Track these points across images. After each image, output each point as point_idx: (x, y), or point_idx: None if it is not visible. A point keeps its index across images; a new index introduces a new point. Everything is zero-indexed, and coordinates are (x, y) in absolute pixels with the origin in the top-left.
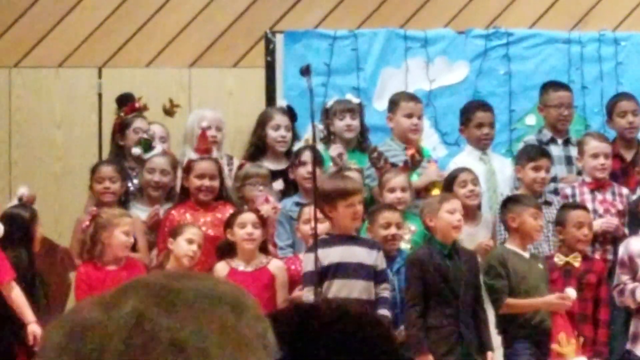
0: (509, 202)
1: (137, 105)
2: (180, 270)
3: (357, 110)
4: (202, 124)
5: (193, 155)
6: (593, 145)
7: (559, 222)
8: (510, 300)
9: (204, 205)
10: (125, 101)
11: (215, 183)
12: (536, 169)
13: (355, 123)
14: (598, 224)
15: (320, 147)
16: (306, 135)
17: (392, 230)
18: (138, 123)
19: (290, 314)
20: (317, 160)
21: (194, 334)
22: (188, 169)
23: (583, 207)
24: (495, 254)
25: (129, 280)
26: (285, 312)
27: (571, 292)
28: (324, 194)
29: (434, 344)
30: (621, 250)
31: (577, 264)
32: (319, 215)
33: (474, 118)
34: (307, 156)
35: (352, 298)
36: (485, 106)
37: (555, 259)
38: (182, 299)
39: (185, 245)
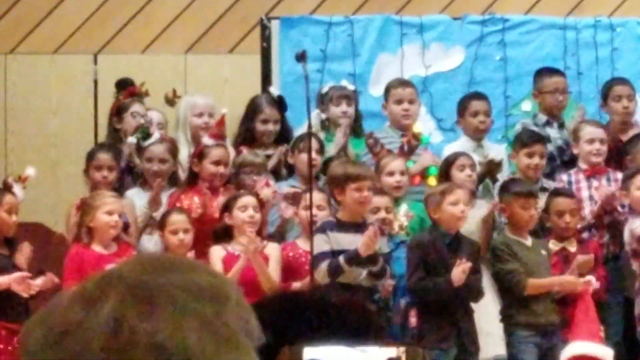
0: (501, 190)
1: (136, 90)
2: (163, 259)
3: (352, 97)
4: (223, 110)
5: (208, 140)
6: (588, 130)
7: (545, 210)
8: (533, 281)
9: (212, 189)
10: (124, 85)
11: (227, 170)
12: (530, 154)
13: (351, 110)
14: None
15: (320, 134)
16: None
17: (382, 214)
18: (136, 107)
19: (277, 301)
20: (318, 148)
21: (173, 334)
22: (201, 154)
23: (566, 194)
24: (499, 241)
25: (111, 271)
26: (272, 299)
27: (591, 279)
28: (334, 177)
29: (429, 331)
30: (627, 235)
31: (573, 249)
32: (319, 202)
33: (469, 107)
34: (311, 143)
35: (357, 285)
36: (479, 95)
37: (551, 245)
38: (162, 296)
39: (171, 237)
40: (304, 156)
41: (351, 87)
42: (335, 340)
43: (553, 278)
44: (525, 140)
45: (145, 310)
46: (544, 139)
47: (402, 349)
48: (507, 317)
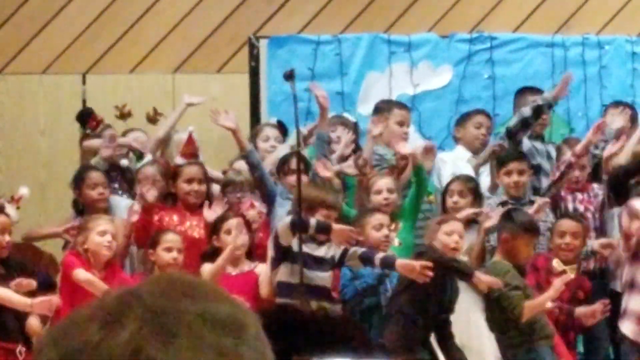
0: (508, 218)
1: (98, 117)
2: (185, 282)
3: (349, 125)
4: (189, 128)
5: (179, 160)
6: (570, 153)
7: (550, 229)
8: (527, 303)
9: (190, 208)
10: (86, 117)
11: (203, 187)
12: (508, 173)
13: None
14: (596, 244)
15: (305, 152)
16: (290, 141)
17: (385, 231)
18: (109, 131)
19: (281, 313)
20: (304, 167)
21: None
22: (175, 174)
23: (572, 216)
24: (501, 269)
25: (131, 290)
26: (276, 311)
27: (557, 284)
28: (306, 199)
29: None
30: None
31: (572, 275)
32: None
33: (474, 118)
34: (295, 163)
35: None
36: (486, 112)
37: (554, 264)
38: (181, 325)
39: (165, 255)
40: (291, 179)
41: (352, 119)
42: (340, 354)
43: (543, 296)
44: (503, 159)
45: (164, 340)
46: (522, 156)
47: None
48: (508, 346)
